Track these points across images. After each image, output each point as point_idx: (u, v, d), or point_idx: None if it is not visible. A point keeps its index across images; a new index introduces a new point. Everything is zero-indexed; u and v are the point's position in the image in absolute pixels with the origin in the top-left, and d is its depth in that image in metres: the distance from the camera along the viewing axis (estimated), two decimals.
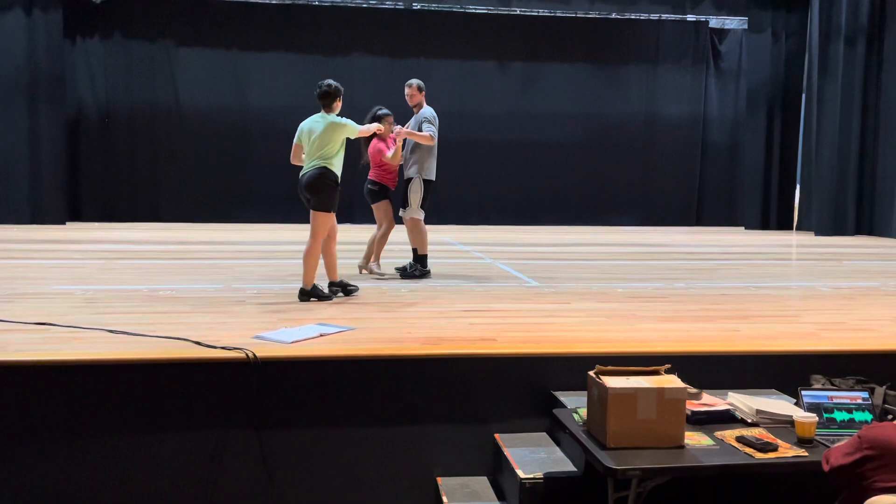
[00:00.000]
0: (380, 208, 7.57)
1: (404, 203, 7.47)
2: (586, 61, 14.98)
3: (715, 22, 15.30)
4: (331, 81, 6.25)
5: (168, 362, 4.20)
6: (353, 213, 14.37)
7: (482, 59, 14.66)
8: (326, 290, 6.18)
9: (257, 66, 14.04)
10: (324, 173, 6.06)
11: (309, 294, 6.07)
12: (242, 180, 14.12)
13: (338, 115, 6.19)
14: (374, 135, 7.09)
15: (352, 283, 6.42)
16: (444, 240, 11.36)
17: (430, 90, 14.34)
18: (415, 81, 7.60)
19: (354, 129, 6.20)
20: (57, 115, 12.82)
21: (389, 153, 7.34)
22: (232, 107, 14.01)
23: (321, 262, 6.25)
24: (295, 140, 6.31)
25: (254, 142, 13.99)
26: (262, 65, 14.03)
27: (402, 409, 4.33)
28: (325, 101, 6.17)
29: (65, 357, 4.20)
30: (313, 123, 6.18)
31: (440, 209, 13.46)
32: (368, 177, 7.59)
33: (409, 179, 7.44)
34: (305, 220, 6.23)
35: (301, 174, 6.18)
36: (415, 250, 7.52)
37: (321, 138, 6.07)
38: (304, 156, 6.25)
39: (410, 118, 7.58)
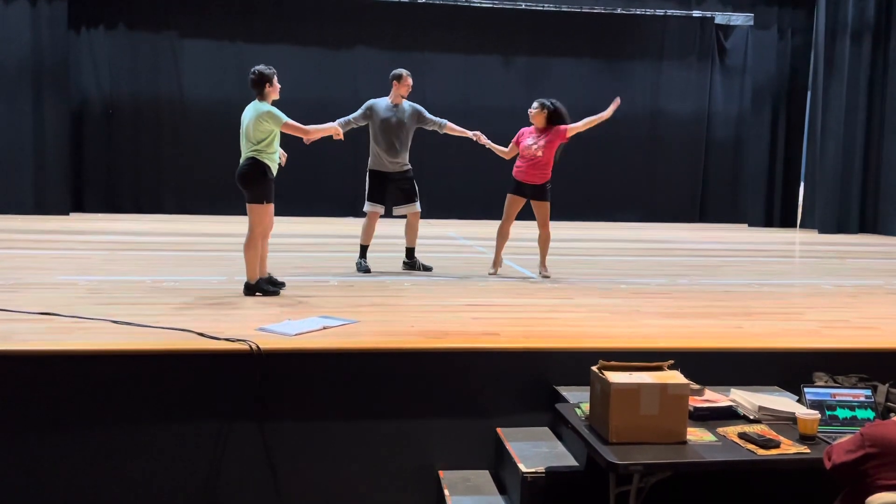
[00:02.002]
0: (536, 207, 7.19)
1: (411, 197, 7.27)
2: (591, 56, 14.93)
3: (721, 18, 15.24)
4: (257, 68, 5.90)
5: (171, 353, 4.21)
6: (357, 207, 14.40)
7: (487, 54, 14.62)
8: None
9: (261, 59, 13.84)
10: (252, 164, 5.78)
11: (254, 289, 5.84)
12: None
13: (270, 104, 5.82)
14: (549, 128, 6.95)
15: (278, 279, 6.14)
16: (448, 234, 11.35)
17: (435, 84, 14.31)
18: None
19: (279, 120, 5.75)
20: (61, 105, 12.82)
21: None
22: (236, 99, 13.92)
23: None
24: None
25: None
26: (267, 57, 13.82)
27: (404, 403, 4.33)
28: (255, 89, 5.88)
29: (68, 347, 4.21)
30: (245, 113, 5.90)
31: (444, 204, 13.48)
32: None
33: (409, 169, 7.31)
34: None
35: None
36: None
37: (248, 127, 5.80)
38: None
39: (393, 111, 7.21)
